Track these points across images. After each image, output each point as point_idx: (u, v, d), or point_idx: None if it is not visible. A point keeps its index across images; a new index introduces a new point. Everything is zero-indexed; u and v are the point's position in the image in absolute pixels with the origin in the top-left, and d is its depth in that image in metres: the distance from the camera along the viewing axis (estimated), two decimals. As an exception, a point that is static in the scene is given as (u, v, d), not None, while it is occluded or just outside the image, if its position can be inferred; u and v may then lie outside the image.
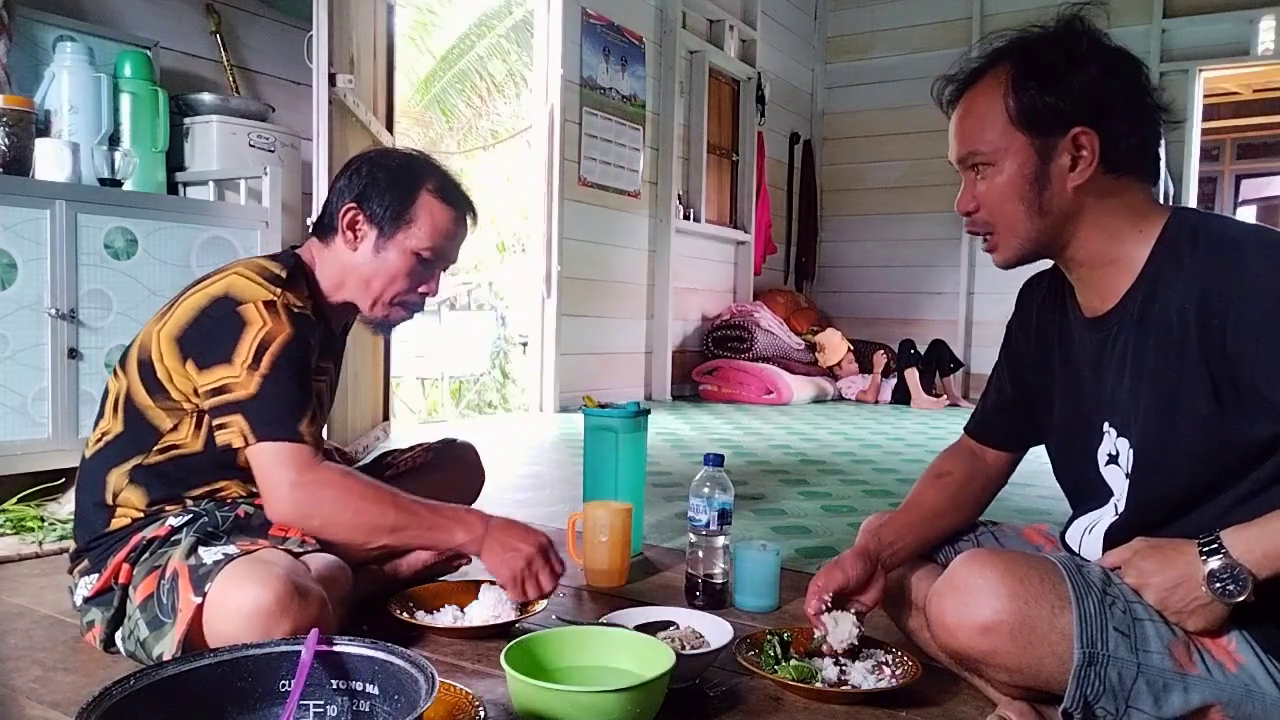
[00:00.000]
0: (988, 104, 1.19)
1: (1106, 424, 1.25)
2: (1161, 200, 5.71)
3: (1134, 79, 1.16)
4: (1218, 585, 1.04)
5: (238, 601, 1.27)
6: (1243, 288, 1.06)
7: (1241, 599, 1.04)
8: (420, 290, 1.60)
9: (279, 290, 1.45)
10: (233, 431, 1.39)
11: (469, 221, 1.63)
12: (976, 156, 1.20)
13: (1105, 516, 1.26)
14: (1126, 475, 1.22)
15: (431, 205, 1.56)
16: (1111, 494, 1.27)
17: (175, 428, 1.46)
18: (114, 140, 2.89)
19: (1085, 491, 1.33)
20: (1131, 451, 1.21)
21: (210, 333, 1.41)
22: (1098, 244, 1.19)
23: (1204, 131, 6.80)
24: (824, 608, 1.37)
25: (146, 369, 1.46)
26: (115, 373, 1.52)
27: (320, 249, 1.59)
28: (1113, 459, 1.26)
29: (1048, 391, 1.37)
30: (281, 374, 1.39)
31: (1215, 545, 1.05)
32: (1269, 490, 1.09)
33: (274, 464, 1.38)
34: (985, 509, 1.53)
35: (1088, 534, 1.28)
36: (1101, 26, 1.18)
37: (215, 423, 1.41)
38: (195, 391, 1.42)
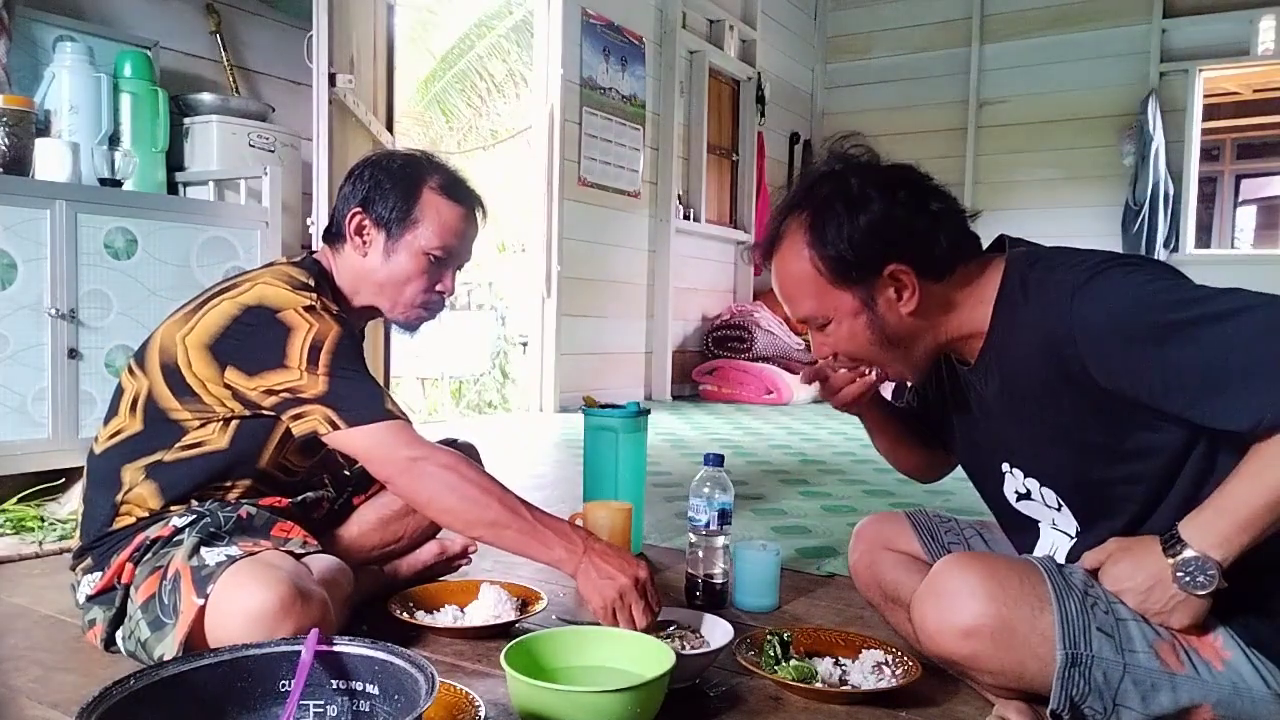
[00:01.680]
0: (798, 268, 1.22)
1: (1005, 464, 1.29)
2: (1162, 202, 5.66)
3: (915, 191, 1.20)
4: (1186, 579, 1.05)
5: (240, 603, 1.27)
6: (1081, 328, 1.09)
7: (1213, 588, 1.04)
8: (436, 289, 1.59)
9: (314, 295, 1.46)
10: (314, 419, 1.39)
11: (478, 217, 1.62)
12: (813, 320, 1.26)
13: (1060, 543, 1.28)
14: (1049, 507, 1.26)
15: (437, 204, 1.55)
16: (1036, 522, 1.31)
17: (202, 425, 1.46)
18: (114, 140, 2.89)
19: (1010, 525, 1.38)
20: (1047, 489, 1.24)
21: (252, 340, 1.41)
22: (953, 329, 1.24)
23: (1204, 131, 6.79)
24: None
25: (173, 374, 1.45)
26: (131, 371, 1.51)
27: (333, 256, 1.60)
28: (1024, 496, 1.30)
29: (947, 434, 1.42)
30: (344, 367, 1.40)
31: (1175, 539, 1.06)
32: (1209, 479, 1.09)
33: (381, 443, 1.38)
34: (944, 472, 1.57)
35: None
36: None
37: (291, 414, 1.41)
38: (235, 395, 1.43)
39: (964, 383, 1.31)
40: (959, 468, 1.53)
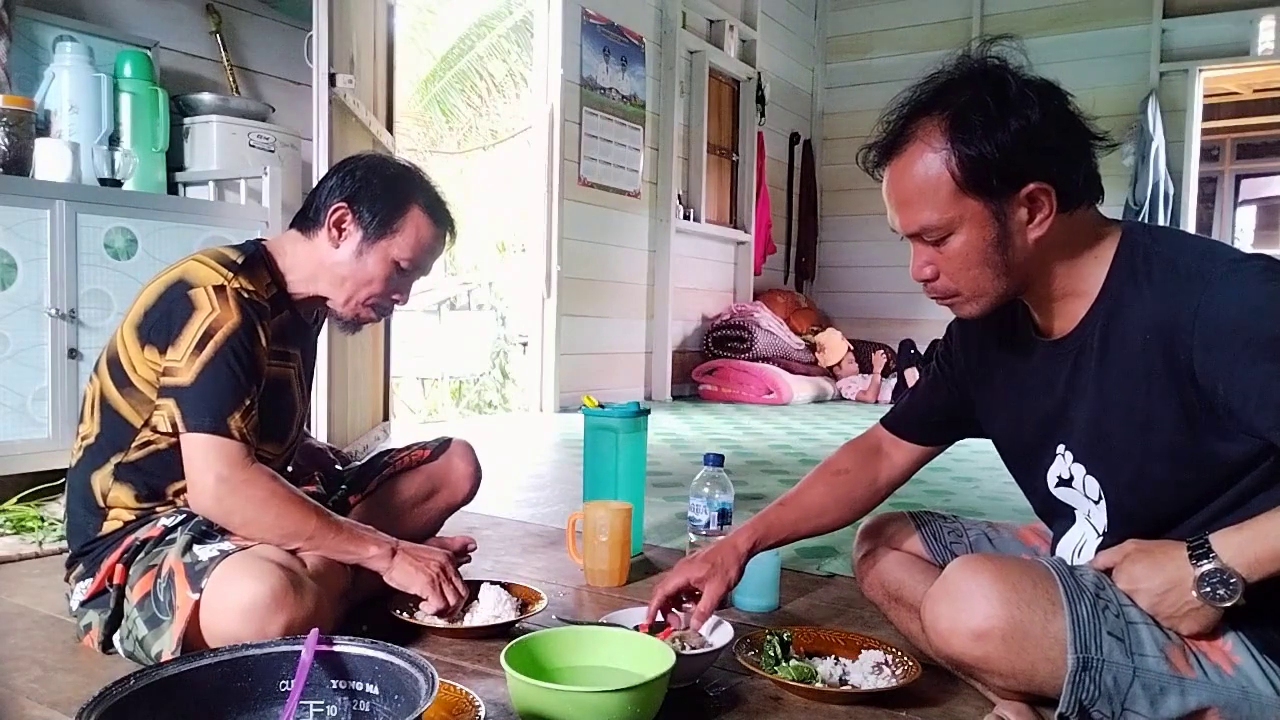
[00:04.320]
0: (928, 171, 1.11)
1: (1061, 446, 1.25)
2: (1162, 202, 5.66)
3: (1066, 111, 1.12)
4: (1208, 590, 1.04)
5: (234, 596, 1.28)
6: (1202, 321, 1.05)
7: (1231, 603, 1.04)
8: (393, 297, 1.62)
9: (231, 274, 1.46)
10: (163, 415, 1.41)
11: (448, 238, 1.66)
12: (930, 231, 1.14)
13: (1089, 537, 1.27)
14: (1088, 498, 1.23)
15: (419, 219, 1.58)
16: (1073, 510, 1.28)
17: (146, 423, 1.46)
18: (114, 140, 2.88)
19: (1045, 509, 1.35)
20: (1092, 480, 1.21)
21: (164, 316, 1.43)
22: (1059, 279, 1.18)
23: (1204, 131, 6.78)
24: (662, 612, 1.43)
25: (114, 364, 1.47)
26: (91, 377, 1.53)
27: (298, 240, 1.60)
28: (1064, 482, 1.26)
29: (987, 406, 1.37)
30: (220, 364, 1.40)
31: (1205, 549, 1.05)
32: (1251, 500, 1.09)
33: (203, 456, 1.39)
34: (870, 511, 1.53)
35: (1077, 555, 1.28)
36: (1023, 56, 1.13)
37: (158, 399, 1.43)
38: (157, 378, 1.43)
39: (1033, 355, 1.26)
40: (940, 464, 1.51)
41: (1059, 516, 1.32)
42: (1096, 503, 1.22)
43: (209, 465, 1.38)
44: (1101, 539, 1.23)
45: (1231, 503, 1.10)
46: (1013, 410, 1.32)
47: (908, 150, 1.13)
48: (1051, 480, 1.28)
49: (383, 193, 1.56)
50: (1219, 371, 1.04)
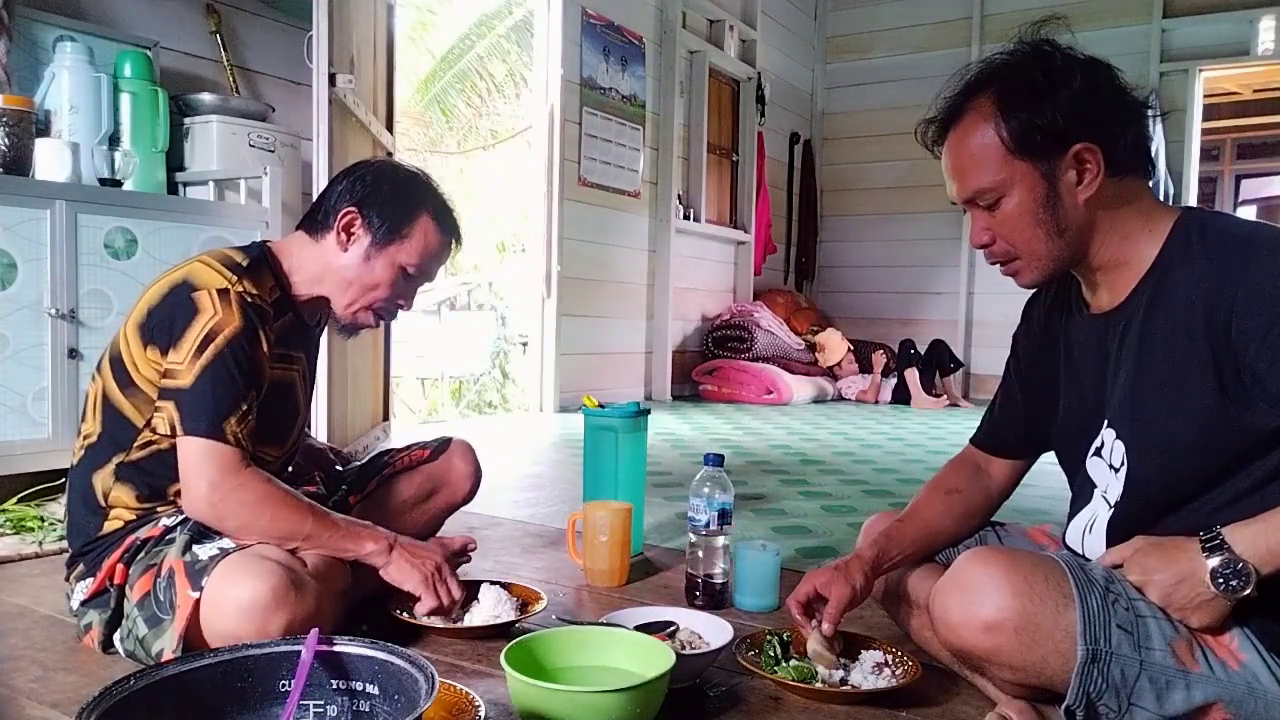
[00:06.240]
0: (980, 139, 1.18)
1: (1106, 421, 1.26)
2: (1161, 199, 5.69)
3: (1112, 82, 1.18)
4: (1220, 581, 1.05)
5: (234, 595, 1.28)
6: (1248, 285, 1.07)
7: (1245, 594, 1.05)
8: (398, 302, 1.62)
9: (235, 278, 1.46)
10: (162, 417, 1.42)
11: (454, 246, 1.67)
12: (984, 194, 1.20)
13: (1100, 512, 1.27)
14: (1111, 468, 1.24)
15: (427, 226, 1.59)
16: (1095, 487, 1.28)
17: (148, 423, 1.46)
18: (114, 140, 2.89)
19: (1075, 488, 1.35)
20: (1119, 444, 1.22)
21: (167, 318, 1.43)
22: (1113, 247, 1.20)
23: (1204, 131, 6.79)
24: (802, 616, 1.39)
25: (117, 364, 1.48)
26: (93, 376, 1.53)
27: (306, 242, 1.60)
28: (1097, 451, 1.27)
29: (1054, 394, 1.37)
30: (220, 368, 1.40)
31: (1218, 541, 1.06)
32: (1267, 486, 1.10)
33: (197, 461, 1.39)
34: (986, 523, 1.53)
35: (1088, 533, 1.28)
36: (1068, 37, 1.20)
37: (158, 401, 1.43)
38: (160, 378, 1.44)
39: (1086, 334, 1.28)
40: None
41: (1080, 497, 1.32)
42: (1116, 470, 1.23)
43: (202, 471, 1.38)
44: (1112, 511, 1.23)
45: (1243, 489, 1.11)
46: (1070, 390, 1.34)
47: (962, 123, 1.21)
48: (1090, 452, 1.29)
49: (392, 198, 1.57)
50: (1253, 334, 1.06)
